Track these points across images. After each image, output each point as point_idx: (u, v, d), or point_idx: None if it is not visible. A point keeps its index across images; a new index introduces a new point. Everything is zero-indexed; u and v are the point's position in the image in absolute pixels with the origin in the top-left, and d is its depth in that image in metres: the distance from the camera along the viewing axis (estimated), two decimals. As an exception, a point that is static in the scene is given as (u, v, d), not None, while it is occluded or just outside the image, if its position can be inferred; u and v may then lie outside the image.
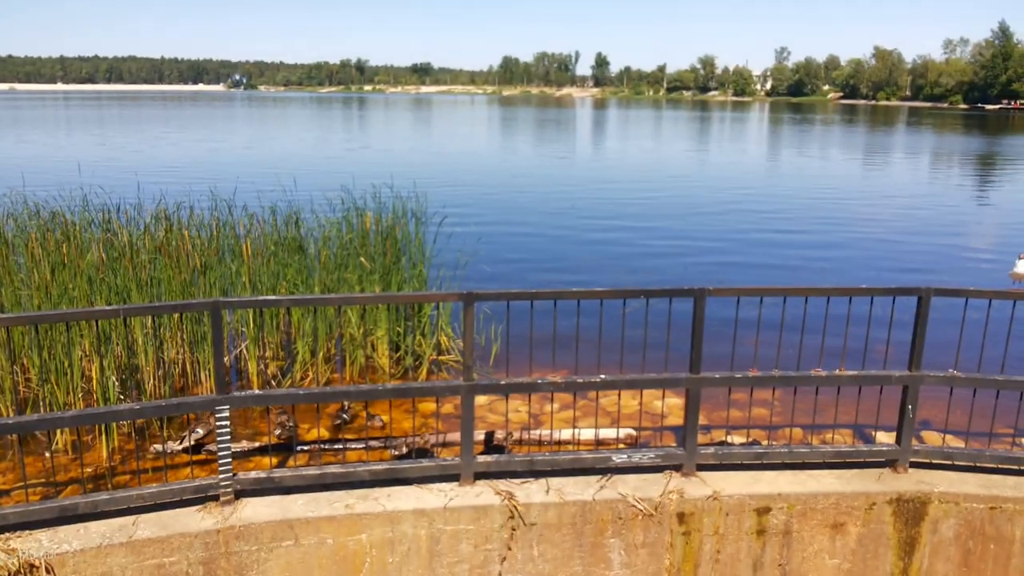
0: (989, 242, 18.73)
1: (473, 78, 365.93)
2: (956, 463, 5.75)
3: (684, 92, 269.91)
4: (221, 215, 8.70)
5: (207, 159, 32.60)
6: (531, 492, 5.27)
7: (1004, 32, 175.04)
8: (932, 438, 6.61)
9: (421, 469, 5.26)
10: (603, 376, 5.37)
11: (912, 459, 5.69)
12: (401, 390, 5.40)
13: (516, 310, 5.52)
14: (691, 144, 52.63)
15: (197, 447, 6.25)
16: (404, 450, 6.07)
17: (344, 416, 6.89)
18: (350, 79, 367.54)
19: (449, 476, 5.33)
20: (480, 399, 7.35)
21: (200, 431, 6.33)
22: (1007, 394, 5.73)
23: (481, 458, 5.38)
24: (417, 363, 8.12)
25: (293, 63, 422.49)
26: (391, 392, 5.31)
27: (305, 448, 6.39)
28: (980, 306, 5.52)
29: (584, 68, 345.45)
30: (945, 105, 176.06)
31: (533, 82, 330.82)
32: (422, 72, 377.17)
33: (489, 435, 6.42)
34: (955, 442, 6.39)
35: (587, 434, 6.45)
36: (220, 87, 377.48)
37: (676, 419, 6.90)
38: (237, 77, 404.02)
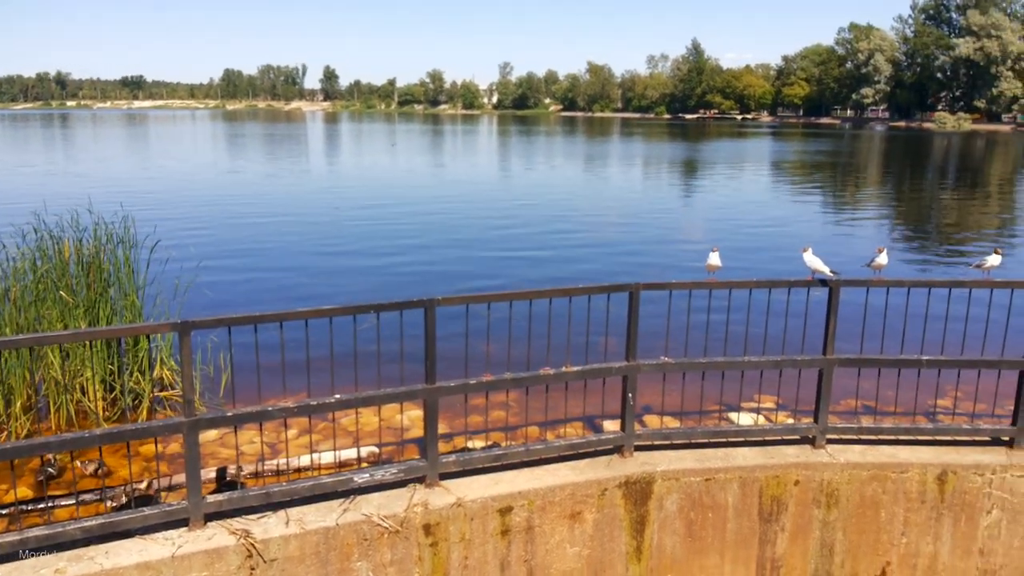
0: (693, 237, 20.79)
1: (193, 92, 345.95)
2: (674, 442, 6.24)
3: (415, 106, 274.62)
4: None
5: None
6: (270, 526, 4.99)
7: (697, 49, 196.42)
8: (653, 421, 7.13)
9: (143, 519, 4.79)
10: (338, 396, 5.22)
11: (636, 443, 6.10)
12: (113, 435, 4.88)
13: (245, 337, 5.19)
14: (426, 157, 53.48)
15: None
16: (124, 500, 5.51)
17: (50, 470, 6.13)
18: (49, 94, 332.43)
19: (177, 521, 4.90)
20: (210, 434, 6.88)
21: None
22: (712, 373, 6.31)
23: (212, 497, 5.01)
24: (137, 403, 7.44)
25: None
26: (102, 438, 4.78)
27: (3, 512, 5.60)
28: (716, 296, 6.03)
29: (313, 81, 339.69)
30: (652, 116, 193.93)
31: (259, 96, 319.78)
32: (134, 86, 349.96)
33: (221, 471, 6.01)
34: (672, 423, 6.93)
35: (327, 457, 6.25)
36: None
37: (418, 431, 6.87)
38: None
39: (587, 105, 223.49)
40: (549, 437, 6.35)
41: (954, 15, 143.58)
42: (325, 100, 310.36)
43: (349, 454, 6.34)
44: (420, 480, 5.53)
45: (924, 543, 6.23)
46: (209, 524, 4.93)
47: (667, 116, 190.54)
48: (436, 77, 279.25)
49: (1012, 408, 6.37)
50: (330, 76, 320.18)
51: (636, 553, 5.93)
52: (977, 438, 6.44)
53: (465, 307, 5.45)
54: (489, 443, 6.49)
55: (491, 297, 5.53)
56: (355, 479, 5.33)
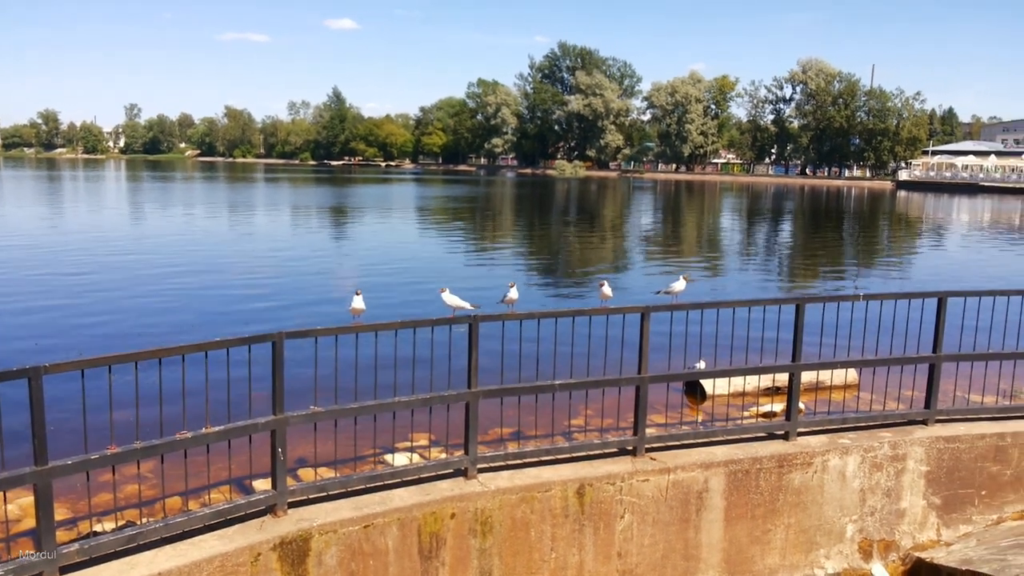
0: (339, 282, 20.74)
1: None
2: (331, 493, 6.05)
3: (26, 149, 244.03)
4: None
5: None
6: None
7: (338, 97, 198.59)
8: (308, 474, 6.87)
9: None
10: (-86, 495, 4.29)
11: (291, 499, 5.81)
12: None
13: None
14: (36, 210, 47.46)
15: None
16: None
17: None
18: None
19: None
20: None
21: None
22: (364, 418, 6.21)
23: None
24: None
25: None
26: None
27: None
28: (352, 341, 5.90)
29: None
30: (297, 162, 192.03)
31: None
32: None
33: None
34: (328, 473, 6.71)
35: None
36: None
37: (32, 521, 5.90)
38: None
39: (227, 150, 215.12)
40: (193, 507, 5.80)
41: (565, 75, 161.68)
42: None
43: (-64, 563, 5.24)
44: (32, 581, 4.73)
45: (571, 554, 6.68)
46: None
47: (312, 162, 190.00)
48: (50, 118, 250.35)
49: (633, 420, 7.11)
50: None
51: (296, 617, 5.60)
52: (607, 451, 7.08)
53: (80, 373, 4.80)
54: (122, 523, 5.77)
55: (111, 359, 4.93)
56: (-56, 593, 4.41)
